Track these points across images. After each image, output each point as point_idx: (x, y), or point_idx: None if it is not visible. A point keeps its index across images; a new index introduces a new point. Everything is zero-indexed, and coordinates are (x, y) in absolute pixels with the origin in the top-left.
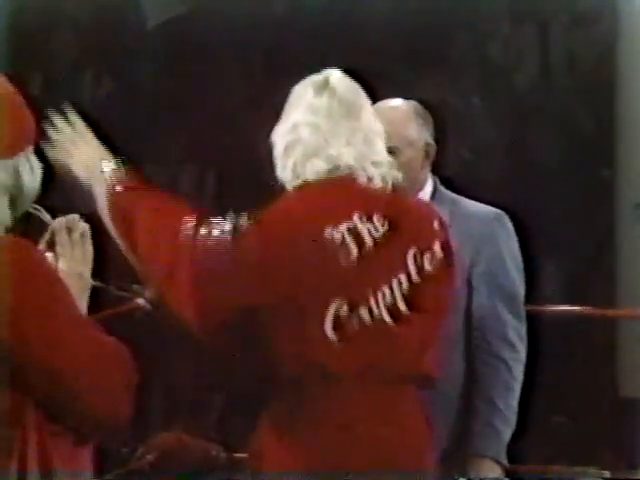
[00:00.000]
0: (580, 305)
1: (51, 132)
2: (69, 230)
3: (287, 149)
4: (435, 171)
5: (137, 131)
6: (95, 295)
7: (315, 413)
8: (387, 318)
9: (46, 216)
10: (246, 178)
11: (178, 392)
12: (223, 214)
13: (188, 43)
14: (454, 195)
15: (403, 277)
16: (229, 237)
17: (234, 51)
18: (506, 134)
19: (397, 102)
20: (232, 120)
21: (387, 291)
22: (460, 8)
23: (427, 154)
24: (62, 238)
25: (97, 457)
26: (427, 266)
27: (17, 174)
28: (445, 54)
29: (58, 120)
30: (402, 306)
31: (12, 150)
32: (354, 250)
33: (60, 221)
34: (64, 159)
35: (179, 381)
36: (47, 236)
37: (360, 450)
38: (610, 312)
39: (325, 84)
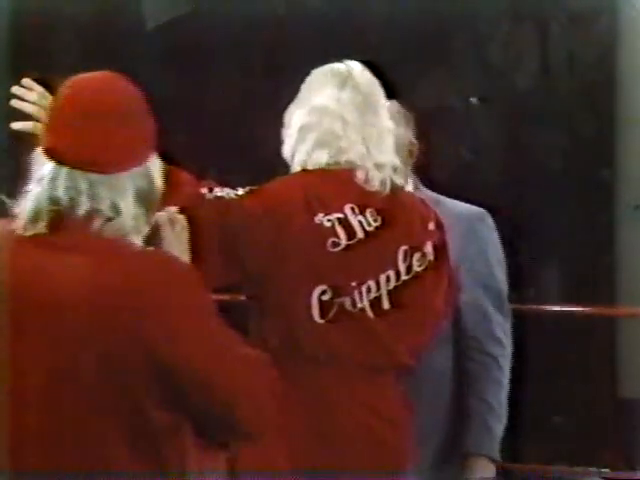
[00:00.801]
0: (580, 305)
1: None
2: (172, 223)
3: (302, 131)
4: (435, 171)
5: None
6: None
7: (295, 398)
8: (369, 311)
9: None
10: (246, 178)
11: None
12: None
13: (188, 44)
14: (436, 195)
15: (392, 274)
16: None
17: (234, 52)
18: (506, 135)
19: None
20: (232, 120)
21: (373, 286)
22: (459, 9)
23: (411, 153)
24: (167, 233)
25: None
26: (415, 266)
27: (151, 178)
28: (444, 55)
29: None
30: (385, 303)
31: (146, 155)
32: (343, 239)
33: (162, 215)
34: None
35: None
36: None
37: (340, 436)
38: (610, 312)
39: (349, 76)
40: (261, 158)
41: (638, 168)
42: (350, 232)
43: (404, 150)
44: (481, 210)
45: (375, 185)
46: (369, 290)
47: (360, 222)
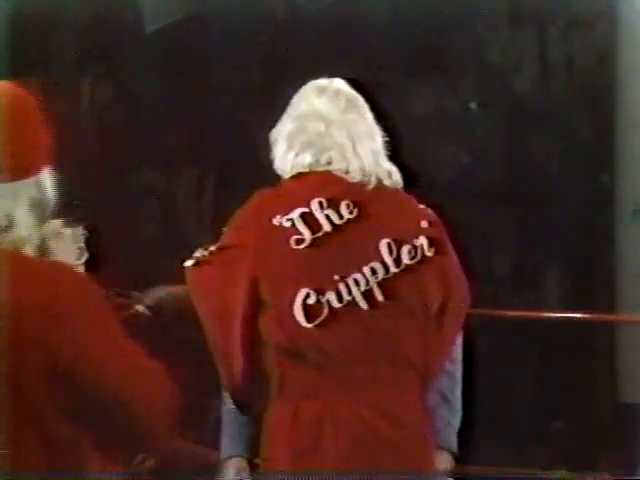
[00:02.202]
0: (580, 311)
1: None
2: (59, 236)
3: (289, 139)
4: (435, 175)
5: (137, 135)
6: None
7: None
8: (362, 303)
9: None
10: (246, 181)
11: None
12: (222, 219)
13: (187, 47)
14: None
15: (378, 265)
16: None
17: (233, 55)
18: (505, 139)
19: None
20: (231, 124)
21: (360, 278)
22: (459, 13)
23: None
24: (57, 244)
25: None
26: (405, 259)
27: (44, 189)
28: (444, 59)
29: None
30: (378, 294)
31: (40, 166)
32: (306, 235)
33: (50, 227)
34: None
35: (178, 386)
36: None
37: (347, 444)
38: (610, 318)
39: (329, 85)
40: (261, 161)
41: (637, 173)
42: (314, 226)
43: None
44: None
45: (356, 177)
46: (357, 283)
47: (327, 215)
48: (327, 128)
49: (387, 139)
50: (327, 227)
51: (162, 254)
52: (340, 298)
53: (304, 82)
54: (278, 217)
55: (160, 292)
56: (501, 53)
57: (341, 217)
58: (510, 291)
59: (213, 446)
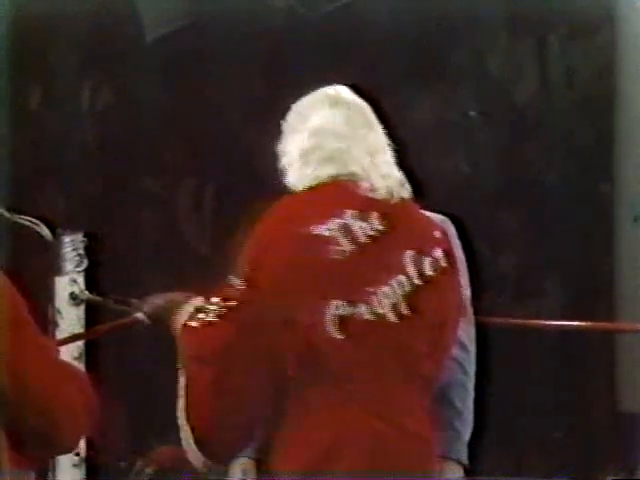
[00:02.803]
0: (579, 320)
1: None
2: None
3: (305, 155)
4: (434, 184)
5: (136, 144)
6: (94, 307)
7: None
8: (391, 316)
9: (45, 230)
10: (245, 192)
11: (176, 405)
12: (221, 228)
13: (187, 56)
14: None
15: (403, 279)
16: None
17: (233, 64)
18: (505, 148)
19: None
20: (231, 134)
21: (389, 291)
22: (458, 23)
23: None
24: None
25: (96, 471)
26: (428, 270)
27: None
28: (443, 69)
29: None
30: (404, 307)
31: None
32: (347, 246)
33: None
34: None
35: (176, 394)
36: None
37: (363, 453)
38: (610, 326)
39: (338, 96)
40: (260, 172)
41: (637, 181)
42: (353, 238)
43: None
44: (443, 217)
45: (382, 193)
46: (387, 296)
47: (362, 227)
48: (346, 145)
49: (395, 148)
50: (362, 238)
51: (162, 262)
52: (371, 311)
53: (304, 91)
54: (314, 226)
55: (159, 300)
56: (501, 62)
57: (372, 229)
58: (510, 300)
59: None
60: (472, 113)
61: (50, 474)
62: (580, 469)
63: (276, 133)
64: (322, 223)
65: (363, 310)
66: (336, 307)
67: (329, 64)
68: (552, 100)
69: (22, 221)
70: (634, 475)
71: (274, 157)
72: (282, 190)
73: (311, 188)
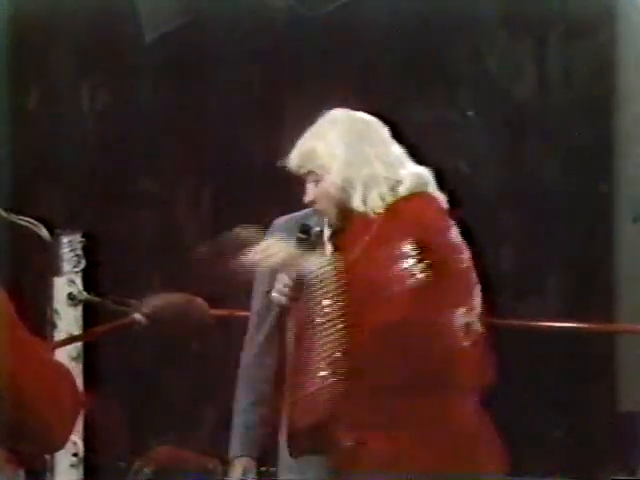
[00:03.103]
0: (579, 320)
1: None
2: None
3: (368, 179)
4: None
5: (135, 144)
6: (92, 308)
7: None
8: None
9: (43, 231)
10: (244, 192)
11: (174, 405)
12: (220, 228)
13: (186, 56)
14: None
15: (478, 287)
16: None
17: (233, 64)
18: (504, 148)
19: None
20: (230, 134)
21: (478, 300)
22: (457, 22)
23: None
24: None
25: (94, 471)
26: None
27: None
28: (441, 68)
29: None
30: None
31: None
32: (467, 254)
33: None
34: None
35: (175, 394)
36: None
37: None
38: (609, 327)
39: (364, 118)
40: (258, 174)
41: (636, 181)
42: (465, 247)
43: None
44: None
45: (443, 199)
46: (479, 304)
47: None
48: (400, 162)
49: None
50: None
51: (160, 262)
52: (477, 318)
53: (303, 93)
54: (455, 235)
55: (158, 300)
56: (500, 61)
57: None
58: (509, 301)
59: (210, 454)
60: (470, 113)
61: (48, 474)
62: (580, 469)
63: (275, 136)
64: (455, 233)
65: (474, 318)
66: (463, 314)
67: (328, 64)
68: (551, 100)
69: (20, 221)
70: (634, 475)
71: (271, 158)
72: (279, 189)
73: (412, 200)
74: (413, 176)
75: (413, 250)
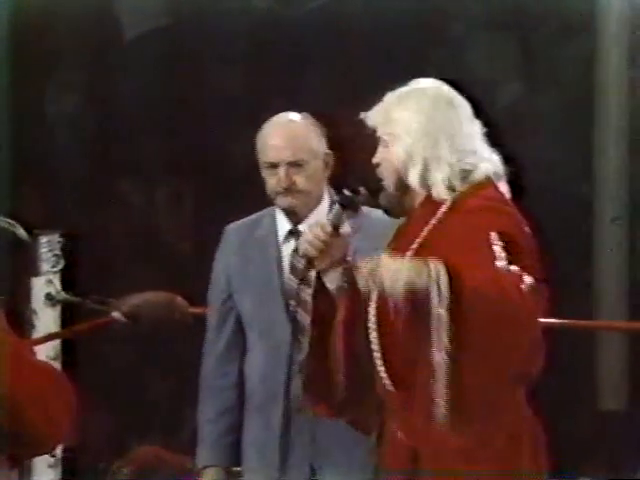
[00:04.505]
0: (559, 318)
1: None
2: None
3: (433, 157)
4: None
5: (114, 144)
6: (70, 308)
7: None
8: None
9: (21, 231)
10: (224, 192)
11: (153, 406)
12: (200, 227)
13: (167, 55)
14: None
15: None
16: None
17: (213, 64)
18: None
19: (294, 115)
20: (211, 133)
21: None
22: (438, 21)
23: (326, 164)
24: None
25: (72, 472)
26: None
27: None
28: (424, 68)
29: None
30: None
31: None
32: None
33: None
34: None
35: (154, 394)
36: None
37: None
38: (589, 325)
39: (453, 99)
40: (238, 169)
41: (616, 181)
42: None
43: (321, 162)
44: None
45: (504, 183)
46: None
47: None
48: (465, 146)
49: None
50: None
51: (139, 262)
52: None
53: (285, 92)
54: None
55: (137, 299)
56: (482, 61)
57: None
58: None
59: (190, 454)
60: None
61: (25, 475)
62: (561, 467)
63: (255, 133)
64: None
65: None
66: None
67: (309, 64)
68: (533, 103)
69: None
70: (635, 475)
71: (252, 157)
72: (260, 189)
73: (483, 188)
74: (485, 165)
75: (502, 243)
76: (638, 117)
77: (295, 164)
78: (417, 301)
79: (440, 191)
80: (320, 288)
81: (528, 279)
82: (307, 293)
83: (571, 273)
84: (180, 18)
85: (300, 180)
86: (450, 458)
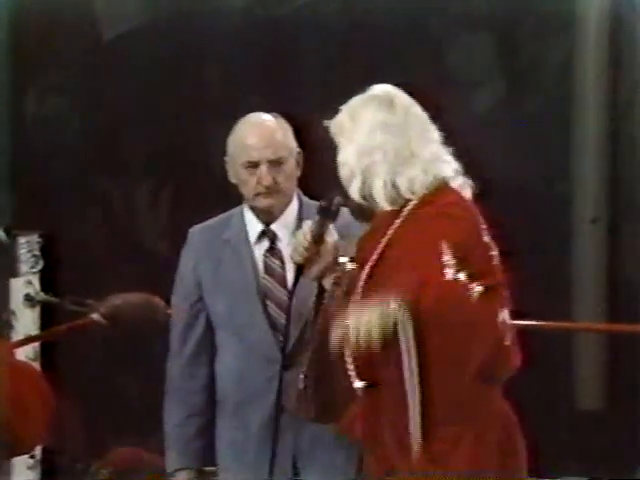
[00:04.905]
0: (538, 319)
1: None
2: None
3: (367, 170)
4: None
5: (92, 144)
6: (50, 309)
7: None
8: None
9: (0, 232)
10: (202, 192)
11: (132, 406)
12: (178, 228)
13: (145, 56)
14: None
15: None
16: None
17: (191, 64)
18: (462, 148)
19: (265, 115)
20: (189, 134)
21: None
22: (418, 21)
23: (298, 163)
24: None
25: (51, 473)
26: None
27: None
28: (404, 69)
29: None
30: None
31: None
32: (495, 252)
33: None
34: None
35: (133, 395)
36: None
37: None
38: (568, 326)
39: (392, 100)
40: (216, 169)
41: (595, 182)
42: (493, 244)
43: (295, 160)
44: None
45: (466, 189)
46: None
47: (486, 230)
48: (412, 152)
49: None
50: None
51: (118, 263)
52: (508, 315)
53: (263, 93)
54: (487, 236)
55: (116, 300)
56: (462, 62)
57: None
58: None
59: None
60: (431, 113)
61: (4, 476)
62: (539, 467)
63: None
64: (485, 228)
65: (506, 314)
66: (500, 311)
67: (287, 64)
68: (511, 102)
69: None
70: (635, 475)
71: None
72: (237, 189)
73: (438, 194)
74: (440, 169)
75: (451, 252)
76: (618, 117)
77: (276, 162)
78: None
79: (381, 203)
80: (320, 294)
81: (476, 287)
82: (283, 293)
83: (550, 273)
84: (160, 18)
85: (281, 179)
86: (422, 460)
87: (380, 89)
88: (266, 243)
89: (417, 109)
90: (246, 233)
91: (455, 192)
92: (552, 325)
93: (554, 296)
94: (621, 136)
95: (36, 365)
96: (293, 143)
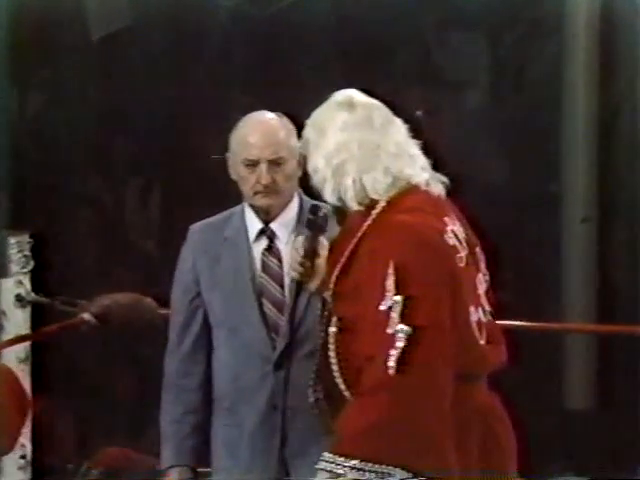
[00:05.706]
0: (527, 319)
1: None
2: None
3: (337, 170)
4: None
5: (82, 144)
6: (40, 309)
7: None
8: (489, 316)
9: None
10: (191, 192)
11: (122, 407)
12: (167, 228)
13: (133, 55)
14: (318, 202)
15: (481, 275)
16: None
17: (180, 63)
18: (453, 148)
19: (269, 114)
20: (178, 133)
21: (483, 291)
22: (407, 21)
23: (299, 164)
24: None
25: (42, 473)
26: (484, 269)
27: None
28: (392, 68)
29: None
30: (486, 303)
31: None
32: (463, 252)
33: None
34: None
35: (123, 395)
36: None
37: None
38: (558, 326)
39: (352, 101)
40: (205, 168)
41: (585, 182)
42: (461, 243)
43: (296, 160)
44: None
45: (434, 186)
46: (484, 296)
47: (459, 231)
48: (376, 153)
49: None
50: (464, 242)
51: (108, 263)
52: (485, 313)
53: (252, 91)
54: (445, 236)
55: (106, 300)
56: (451, 62)
57: (461, 230)
58: None
59: (158, 455)
60: (419, 113)
61: None
62: (527, 466)
63: (223, 133)
64: (446, 232)
65: (481, 313)
66: (473, 313)
67: (276, 63)
68: (501, 102)
69: None
70: (635, 475)
71: (220, 155)
72: (228, 188)
73: (404, 196)
74: (408, 172)
75: (394, 278)
76: (607, 117)
77: (275, 162)
78: None
79: (350, 203)
80: (324, 306)
81: (405, 327)
82: (279, 292)
83: (540, 274)
84: (146, 17)
85: (280, 179)
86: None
87: (339, 94)
88: (265, 241)
89: (379, 105)
90: (246, 231)
91: (421, 194)
92: (542, 326)
93: (544, 296)
94: (610, 137)
95: (27, 366)
96: (296, 143)
